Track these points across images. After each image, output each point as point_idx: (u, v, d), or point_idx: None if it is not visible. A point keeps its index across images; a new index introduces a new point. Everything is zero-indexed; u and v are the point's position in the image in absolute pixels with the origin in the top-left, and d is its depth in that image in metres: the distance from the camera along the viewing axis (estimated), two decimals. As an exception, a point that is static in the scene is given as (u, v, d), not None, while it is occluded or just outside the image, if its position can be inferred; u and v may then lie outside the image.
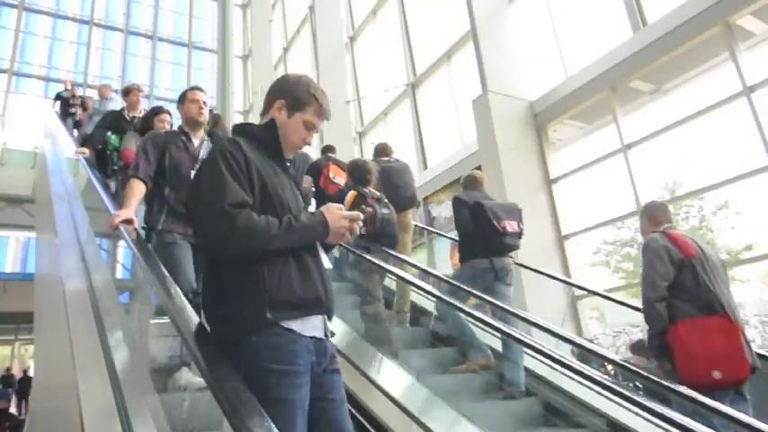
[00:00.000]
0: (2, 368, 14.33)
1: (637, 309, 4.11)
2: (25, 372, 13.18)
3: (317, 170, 4.63)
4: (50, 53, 17.67)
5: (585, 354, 3.11)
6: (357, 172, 3.80)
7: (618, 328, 6.46)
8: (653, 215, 2.99)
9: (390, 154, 4.62)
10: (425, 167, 9.97)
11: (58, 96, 9.02)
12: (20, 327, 15.58)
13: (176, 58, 20.22)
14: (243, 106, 19.69)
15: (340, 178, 4.33)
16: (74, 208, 3.99)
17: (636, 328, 6.30)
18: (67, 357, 2.21)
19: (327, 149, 5.07)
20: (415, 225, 5.02)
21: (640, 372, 2.44)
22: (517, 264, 4.89)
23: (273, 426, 1.02)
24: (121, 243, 3.10)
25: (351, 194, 3.62)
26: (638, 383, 2.82)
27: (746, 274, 5.71)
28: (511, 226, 3.55)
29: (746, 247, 5.55)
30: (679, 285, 2.56)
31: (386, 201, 3.75)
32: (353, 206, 3.41)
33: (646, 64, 6.09)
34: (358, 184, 3.74)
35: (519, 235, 3.64)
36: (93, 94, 9.80)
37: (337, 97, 12.73)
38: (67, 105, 8.52)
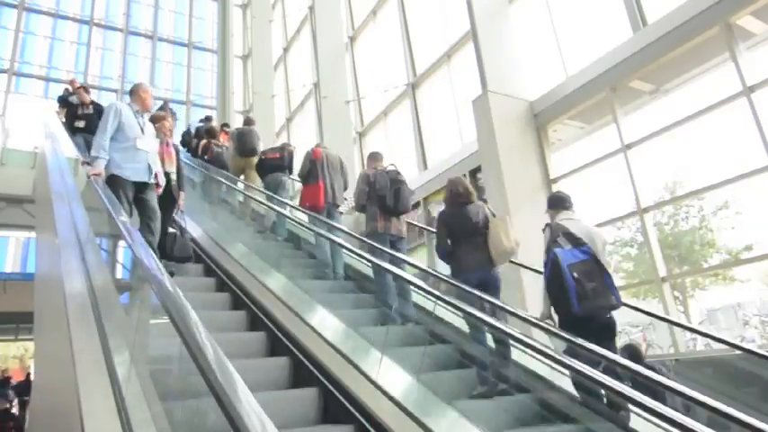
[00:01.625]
0: (1, 368, 14.30)
1: (636, 309, 4.12)
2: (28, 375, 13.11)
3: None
4: (50, 53, 17.67)
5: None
6: (212, 132, 7.86)
7: (617, 327, 6.45)
8: (316, 147, 5.55)
9: (252, 125, 7.38)
10: (425, 167, 9.97)
11: (65, 102, 7.15)
12: (20, 327, 15.59)
13: (176, 58, 20.22)
14: (243, 106, 19.69)
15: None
16: (74, 208, 3.99)
17: (636, 327, 6.30)
18: (67, 357, 2.21)
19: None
20: (415, 225, 5.63)
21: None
22: (517, 264, 4.89)
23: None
24: (121, 243, 3.10)
25: (203, 143, 7.68)
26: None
27: (747, 274, 5.71)
28: (272, 154, 6.45)
29: (747, 247, 5.56)
30: (309, 170, 5.32)
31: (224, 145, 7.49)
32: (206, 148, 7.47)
33: (646, 64, 6.09)
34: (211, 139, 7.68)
35: (281, 159, 6.41)
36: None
37: (337, 97, 12.75)
38: (75, 117, 6.85)
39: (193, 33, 20.75)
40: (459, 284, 3.35)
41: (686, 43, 5.68)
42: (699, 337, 5.40)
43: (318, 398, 2.88)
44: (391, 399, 2.63)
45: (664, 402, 2.17)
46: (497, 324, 2.84)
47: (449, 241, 3.62)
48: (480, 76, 7.52)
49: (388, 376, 2.81)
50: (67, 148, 6.03)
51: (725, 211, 5.79)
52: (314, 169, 5.32)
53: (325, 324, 3.39)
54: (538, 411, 2.98)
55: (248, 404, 1.08)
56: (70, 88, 7.62)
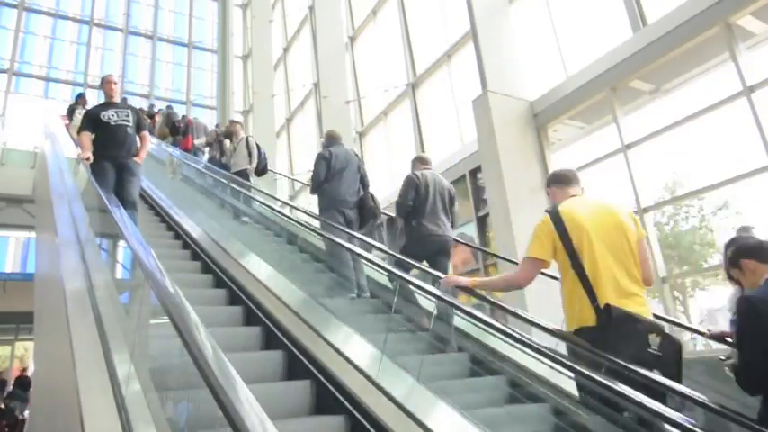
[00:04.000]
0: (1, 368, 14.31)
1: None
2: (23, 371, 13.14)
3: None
4: (50, 53, 17.68)
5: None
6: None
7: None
8: (190, 117, 9.19)
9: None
10: (425, 167, 9.96)
11: (97, 122, 4.34)
12: (20, 327, 15.57)
13: (176, 58, 20.23)
14: (243, 106, 19.69)
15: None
16: (74, 208, 3.99)
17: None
18: (67, 357, 2.21)
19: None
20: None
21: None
22: (517, 263, 4.88)
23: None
24: (121, 243, 3.11)
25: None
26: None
27: (746, 274, 5.70)
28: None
29: (746, 247, 5.55)
30: (185, 131, 9.67)
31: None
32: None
33: (646, 64, 6.08)
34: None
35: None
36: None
37: (337, 97, 12.74)
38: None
39: (193, 33, 20.76)
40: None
41: (686, 43, 5.68)
42: (699, 337, 5.40)
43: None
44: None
45: (664, 402, 2.17)
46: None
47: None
48: (480, 76, 7.52)
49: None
50: (67, 148, 6.03)
51: (725, 211, 5.78)
52: (187, 131, 9.27)
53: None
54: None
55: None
56: (102, 95, 4.63)
